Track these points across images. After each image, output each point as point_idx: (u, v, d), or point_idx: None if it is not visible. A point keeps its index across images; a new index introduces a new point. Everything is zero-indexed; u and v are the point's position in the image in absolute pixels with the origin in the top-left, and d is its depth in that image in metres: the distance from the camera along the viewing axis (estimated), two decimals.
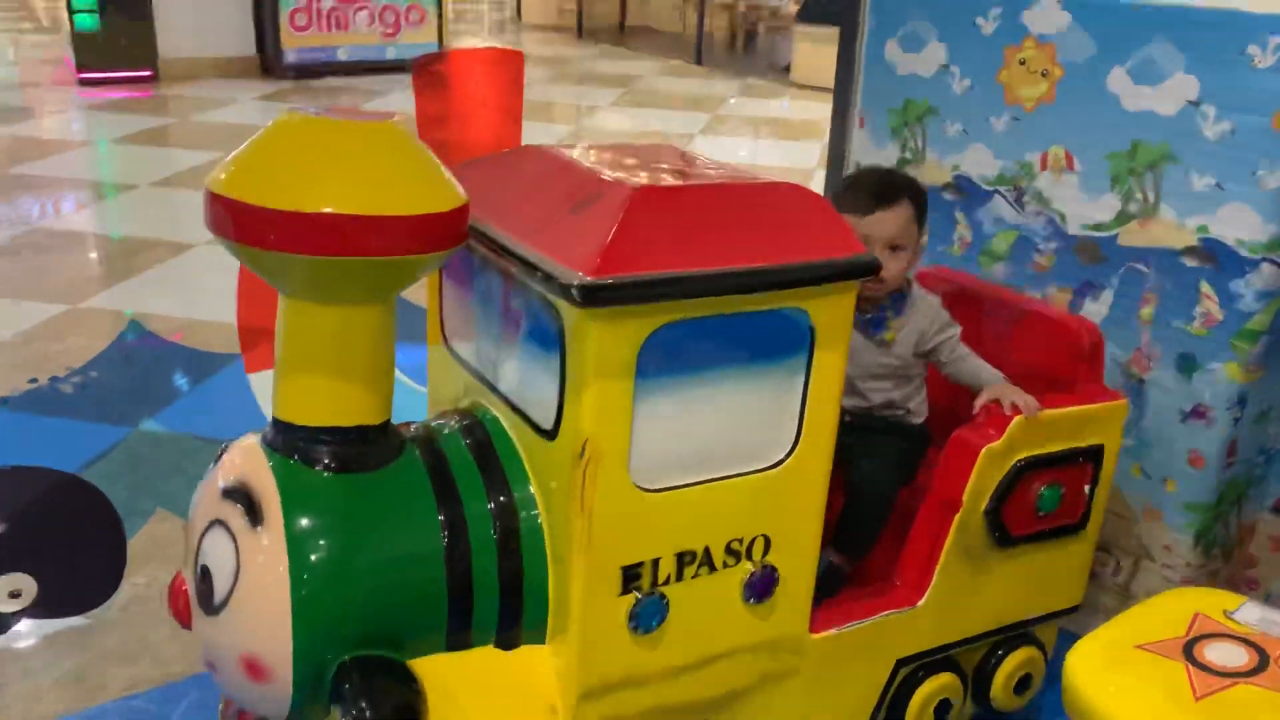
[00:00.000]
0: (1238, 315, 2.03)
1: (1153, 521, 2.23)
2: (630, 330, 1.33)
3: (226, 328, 3.50)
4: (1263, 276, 1.99)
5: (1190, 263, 2.08)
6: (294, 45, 9.23)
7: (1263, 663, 1.36)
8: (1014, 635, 1.98)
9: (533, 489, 1.49)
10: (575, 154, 1.58)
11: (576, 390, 1.35)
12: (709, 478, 1.47)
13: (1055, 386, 1.93)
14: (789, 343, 1.48)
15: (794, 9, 12.35)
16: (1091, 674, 1.42)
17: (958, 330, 1.97)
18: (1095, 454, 1.90)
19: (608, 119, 8.73)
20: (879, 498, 1.90)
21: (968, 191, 2.48)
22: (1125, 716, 1.35)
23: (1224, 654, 1.39)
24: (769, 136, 8.41)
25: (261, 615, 1.37)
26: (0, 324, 3.91)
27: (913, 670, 1.86)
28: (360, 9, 9.46)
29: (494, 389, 1.59)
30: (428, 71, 2.15)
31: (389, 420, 1.47)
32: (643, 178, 1.44)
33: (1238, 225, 2.00)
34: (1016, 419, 1.77)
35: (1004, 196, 2.40)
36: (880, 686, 1.82)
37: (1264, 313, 2.01)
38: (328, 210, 1.22)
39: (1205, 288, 2.06)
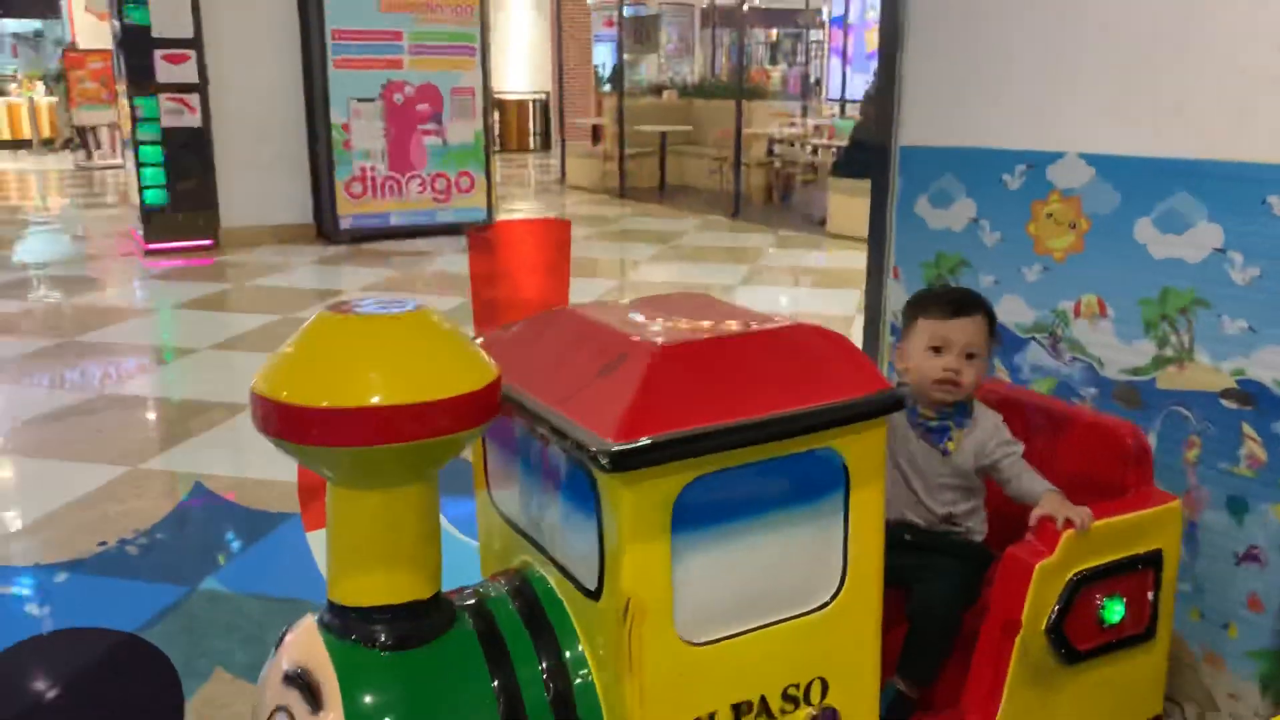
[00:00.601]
0: None
1: (1216, 668, 2.18)
2: (661, 490, 1.36)
3: (280, 485, 3.60)
4: None
5: (1230, 405, 2.10)
6: (349, 212, 9.65)
7: None
8: None
9: (583, 648, 1.50)
10: (602, 314, 1.64)
11: (614, 551, 1.38)
12: (757, 625, 1.48)
13: (1106, 493, 1.92)
14: (824, 483, 1.50)
15: (827, 163, 12.74)
16: None
17: (1020, 448, 1.99)
18: (1154, 559, 1.88)
19: (650, 273, 8.95)
20: (942, 621, 1.89)
21: (1005, 340, 2.53)
22: None
23: None
24: (807, 285, 8.57)
25: None
26: (64, 486, 4.03)
27: None
28: (413, 177, 9.90)
29: (540, 549, 1.62)
30: (481, 239, 2.28)
31: (439, 591, 1.50)
32: (666, 335, 1.49)
33: (1274, 367, 2.02)
34: (1068, 532, 1.77)
35: (1040, 344, 2.45)
36: None
37: None
38: (367, 404, 1.27)
39: (1247, 429, 2.08)
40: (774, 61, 23.83)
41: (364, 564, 1.42)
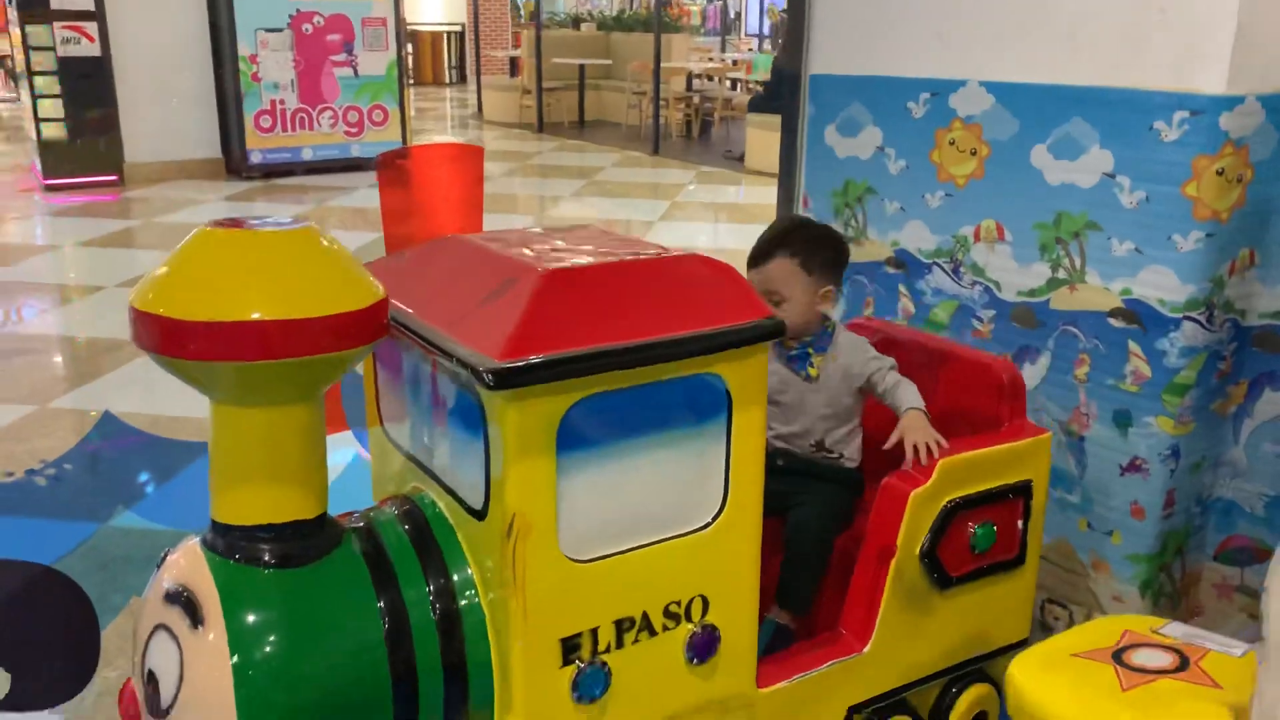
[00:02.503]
0: (1165, 371, 2.14)
1: (1101, 574, 2.32)
2: (546, 409, 1.38)
3: (194, 421, 3.55)
4: (1185, 334, 2.11)
5: (1117, 324, 2.20)
6: (259, 146, 9.40)
7: (1184, 664, 1.49)
8: (965, 674, 2.03)
9: (471, 570, 1.52)
10: (495, 242, 1.64)
11: (500, 469, 1.40)
12: (640, 544, 1.52)
13: (981, 426, 2.01)
14: (707, 407, 1.54)
15: (745, 99, 12.75)
16: (1030, 676, 1.54)
17: (889, 362, 2.06)
18: (1025, 489, 1.97)
19: (570, 209, 8.92)
20: (815, 544, 1.96)
21: (908, 265, 2.61)
22: (1059, 707, 1.47)
23: (1149, 658, 1.52)
24: (726, 220, 8.62)
25: (207, 714, 1.39)
26: None
27: (866, 717, 1.91)
28: (324, 110, 9.67)
29: (429, 473, 1.64)
30: (392, 168, 2.26)
31: (325, 513, 1.51)
32: (554, 260, 1.51)
33: (1158, 287, 2.12)
34: (941, 462, 1.85)
35: (942, 268, 2.53)
36: None
37: (1189, 368, 2.13)
38: (249, 318, 1.27)
39: (1133, 346, 2.18)
40: None
41: (247, 483, 1.42)
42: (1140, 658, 1.51)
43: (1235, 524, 2.33)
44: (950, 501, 1.87)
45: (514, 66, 16.85)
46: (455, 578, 1.52)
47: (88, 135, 8.73)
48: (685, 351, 1.47)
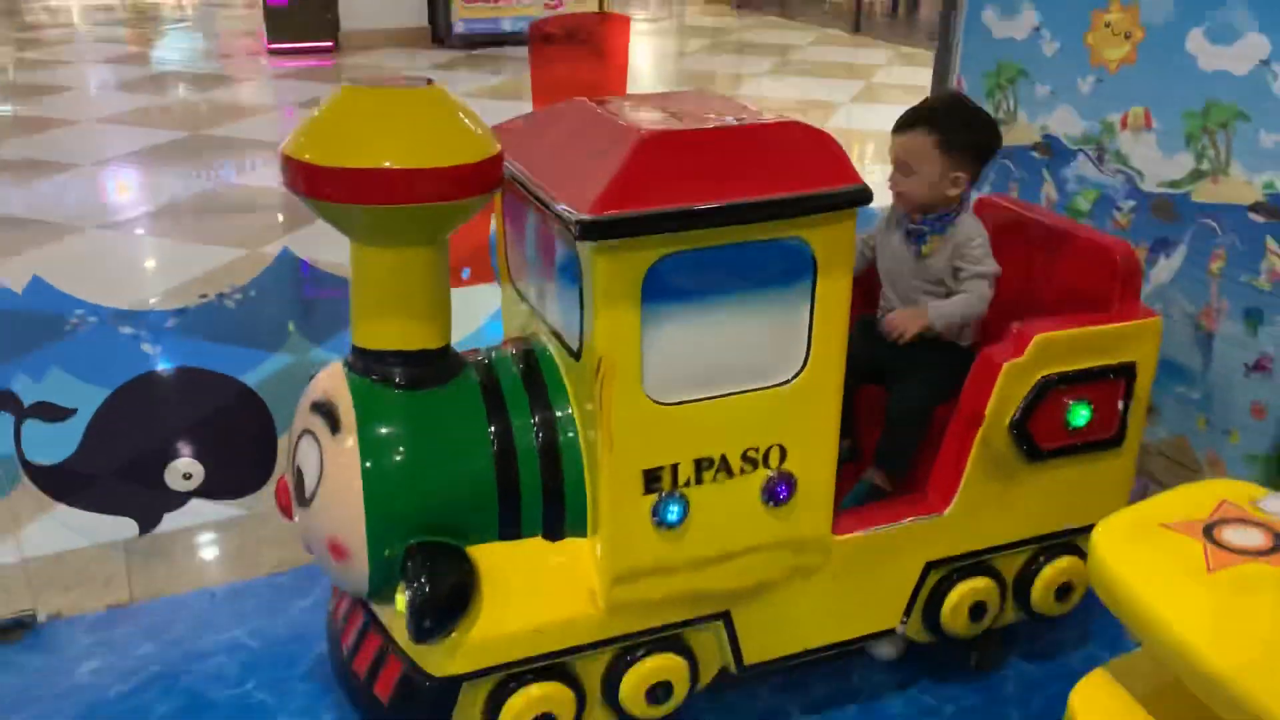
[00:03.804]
0: None
1: (1217, 472, 2.30)
2: (633, 261, 1.51)
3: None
4: None
5: (1258, 218, 2.14)
6: (463, 16, 9.71)
7: (1277, 545, 1.40)
8: (1054, 545, 2.07)
9: (571, 407, 1.70)
10: (611, 106, 1.75)
11: (591, 315, 1.54)
12: (722, 393, 1.64)
13: (1094, 306, 2.00)
14: (793, 270, 1.62)
15: None
16: (1113, 545, 1.48)
17: (985, 269, 2.04)
18: (1128, 370, 1.96)
19: (763, 87, 8.84)
20: (912, 415, 2.04)
21: (1055, 150, 2.57)
22: (1141, 584, 1.41)
23: (1242, 536, 1.43)
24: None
25: (341, 506, 1.63)
26: (190, 263, 4.44)
27: (945, 574, 2.00)
28: None
29: (542, 318, 1.82)
30: (543, 37, 2.41)
31: (448, 345, 1.71)
32: (655, 124, 1.60)
33: None
34: (1037, 337, 1.87)
35: (1088, 155, 2.49)
36: (910, 587, 1.97)
37: None
38: (378, 165, 1.45)
39: (1271, 243, 2.12)
40: None
41: (381, 313, 1.63)
42: (1232, 535, 1.43)
43: None
44: (1045, 376, 1.89)
45: None
46: (558, 413, 1.70)
47: (308, 3, 9.23)
48: (769, 214, 1.55)
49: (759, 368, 1.67)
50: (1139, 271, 2.02)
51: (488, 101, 7.80)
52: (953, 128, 2.04)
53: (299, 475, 1.70)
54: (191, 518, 2.56)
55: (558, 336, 1.74)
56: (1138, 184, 2.38)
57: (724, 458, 1.69)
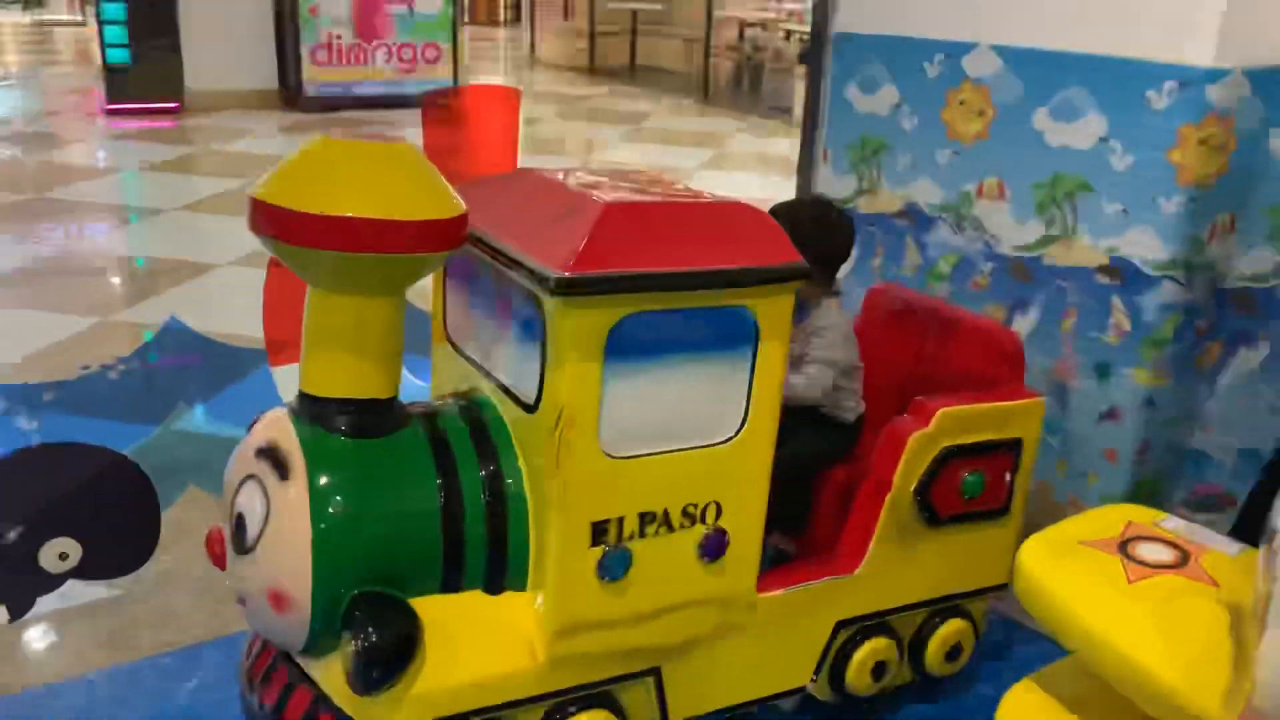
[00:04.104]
0: (1144, 326, 2.30)
1: (1098, 509, 2.48)
2: (599, 318, 1.59)
3: (246, 338, 3.80)
4: (1164, 292, 2.26)
5: (1103, 280, 2.35)
6: (315, 79, 9.62)
7: (1184, 559, 1.58)
8: (946, 607, 2.22)
9: (518, 461, 1.74)
10: (562, 176, 1.86)
11: (554, 368, 1.61)
12: (668, 449, 1.72)
13: (983, 386, 2.18)
14: (737, 336, 1.74)
15: (796, 51, 12.72)
16: (1040, 562, 1.63)
17: (828, 356, 2.14)
18: (1015, 445, 2.14)
19: (618, 153, 9.05)
20: (796, 475, 2.12)
21: (916, 218, 2.76)
22: (1069, 595, 1.56)
23: (1152, 552, 1.60)
24: (771, 173, 8.71)
25: (287, 554, 1.62)
26: (36, 335, 4.23)
27: (852, 633, 2.10)
28: (379, 46, 9.85)
29: (488, 374, 1.85)
30: (435, 107, 2.45)
31: (396, 396, 1.73)
32: (615, 195, 1.71)
33: (1142, 246, 2.27)
34: (940, 410, 2.03)
35: (947, 222, 2.68)
36: (821, 644, 2.07)
37: (1166, 324, 2.28)
38: (350, 214, 1.48)
39: (1116, 302, 2.34)
40: None
41: (334, 360, 1.64)
42: (1144, 551, 1.60)
43: (1206, 474, 2.49)
44: (946, 448, 2.05)
45: (567, 9, 16.87)
46: (505, 465, 1.73)
47: (150, 62, 8.98)
48: (721, 282, 1.67)
49: (702, 426, 1.75)
50: (1022, 355, 2.20)
51: None
52: (804, 229, 2.10)
53: (239, 522, 1.67)
54: (62, 600, 2.43)
55: (506, 391, 1.78)
56: (995, 248, 2.58)
57: (666, 512, 1.75)
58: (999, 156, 2.53)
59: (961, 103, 2.59)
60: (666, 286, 1.63)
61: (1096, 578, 1.56)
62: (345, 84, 9.78)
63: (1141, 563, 1.57)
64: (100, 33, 8.86)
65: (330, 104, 9.71)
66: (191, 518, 2.89)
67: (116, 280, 5.18)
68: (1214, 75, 2.12)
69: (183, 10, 9.04)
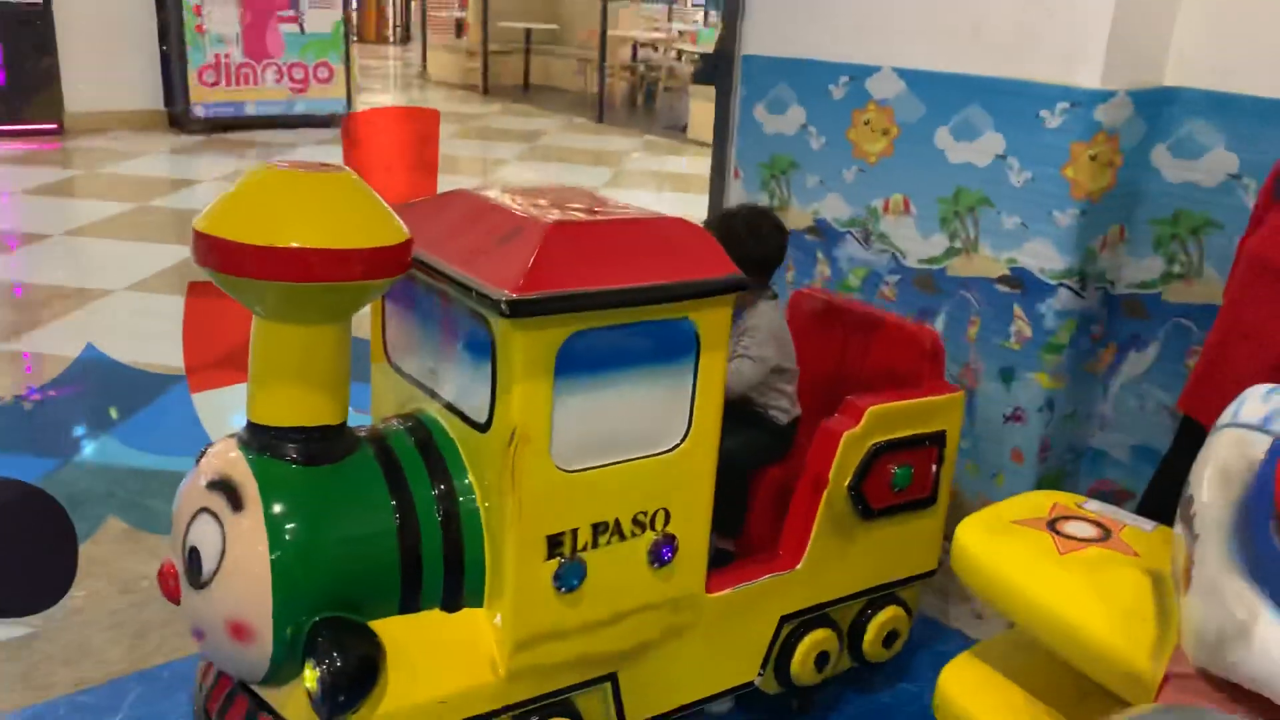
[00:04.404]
0: (1043, 332, 2.43)
1: (1026, 494, 2.59)
2: (548, 337, 1.63)
3: (151, 366, 3.71)
4: (1060, 299, 2.40)
5: (1004, 289, 2.48)
6: (202, 99, 9.39)
7: (1107, 535, 1.74)
8: (881, 596, 2.31)
9: (469, 478, 1.76)
10: (498, 196, 1.89)
11: (505, 388, 1.64)
12: (618, 460, 1.77)
13: (905, 383, 2.29)
14: (680, 347, 1.80)
15: (689, 70, 12.94)
16: (976, 538, 1.78)
17: (754, 354, 2.23)
18: (939, 438, 2.25)
19: (515, 172, 9.06)
20: (732, 475, 2.18)
21: (825, 233, 2.87)
22: (1008, 568, 1.70)
23: (1078, 528, 1.75)
24: (668, 189, 8.84)
25: (245, 584, 1.61)
26: None
27: (795, 626, 2.17)
28: (269, 65, 9.67)
29: (434, 394, 1.86)
30: (353, 128, 2.45)
31: (345, 421, 1.73)
32: (557, 214, 1.75)
33: (1040, 257, 2.41)
34: (870, 408, 2.11)
35: (855, 237, 2.79)
36: (768, 640, 2.14)
37: (1063, 329, 2.42)
38: (296, 245, 1.48)
39: (1017, 310, 2.46)
40: None
41: (282, 389, 1.64)
42: (1071, 528, 1.75)
43: (1103, 470, 2.64)
44: (876, 444, 2.14)
45: (459, 28, 16.82)
46: (456, 484, 1.75)
47: (27, 83, 8.64)
48: (664, 296, 1.72)
49: (649, 436, 1.80)
50: (943, 352, 2.31)
51: (230, 186, 7.59)
52: (729, 242, 2.22)
53: (194, 556, 1.65)
54: None
55: (455, 410, 1.79)
56: (901, 261, 2.69)
57: (617, 522, 1.79)
58: (903, 174, 2.64)
59: (866, 123, 2.71)
60: (612, 303, 1.68)
61: (1031, 551, 1.71)
62: (235, 104, 9.57)
63: (1069, 537, 1.73)
64: None
65: (219, 124, 9.49)
66: (102, 550, 2.82)
67: (5, 306, 4.98)
68: (1101, 96, 2.27)
69: (60, 30, 8.73)
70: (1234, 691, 1.13)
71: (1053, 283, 2.39)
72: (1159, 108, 2.37)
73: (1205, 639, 1.14)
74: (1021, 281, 2.45)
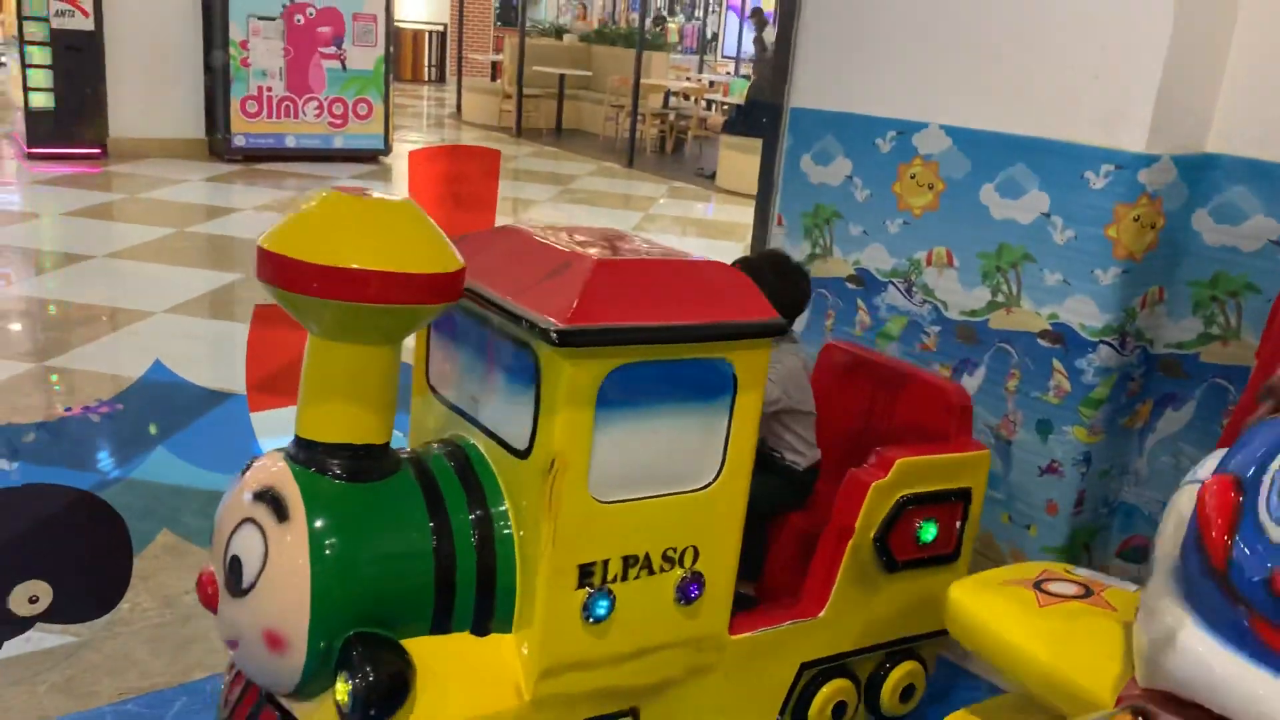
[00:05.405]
0: (1082, 387, 2.48)
1: (1019, 563, 2.64)
2: (593, 368, 1.68)
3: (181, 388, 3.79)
4: (1101, 355, 2.45)
5: (1045, 344, 2.53)
6: (243, 130, 9.58)
7: (1089, 593, 1.82)
8: (900, 650, 2.34)
9: (505, 505, 1.80)
10: (548, 233, 1.96)
11: (548, 415, 1.69)
12: (652, 494, 1.81)
13: (932, 439, 2.33)
14: (717, 386, 1.85)
15: (719, 120, 13.12)
16: (967, 593, 1.88)
17: (778, 400, 2.30)
18: (965, 495, 2.29)
19: (545, 214, 9.19)
20: (753, 520, 2.21)
21: (867, 282, 2.93)
22: (990, 617, 1.81)
23: (1062, 587, 1.84)
24: (694, 235, 8.94)
25: (284, 595, 1.65)
26: None
27: (815, 674, 2.20)
28: (310, 100, 9.87)
29: (474, 422, 1.92)
30: (418, 164, 2.53)
31: (389, 442, 1.78)
32: (603, 252, 1.82)
33: (1081, 313, 2.46)
34: (899, 460, 2.16)
35: (897, 287, 2.85)
36: (787, 685, 2.16)
37: (1103, 385, 2.47)
38: (356, 266, 1.54)
39: (1057, 364, 2.51)
40: (672, 13, 24.02)
41: (332, 406, 1.69)
42: (1055, 587, 1.84)
43: (1135, 525, 2.67)
44: (903, 496, 2.18)
45: (495, 70, 17.11)
46: (493, 509, 1.80)
47: (74, 107, 8.86)
48: (705, 336, 1.78)
49: (683, 473, 1.85)
50: (971, 410, 2.35)
51: (267, 216, 7.75)
52: (761, 280, 2.31)
53: (235, 565, 1.70)
54: (13, 647, 2.39)
55: (494, 437, 1.84)
56: (943, 312, 2.75)
57: (648, 556, 1.83)
58: (947, 228, 2.71)
59: (912, 177, 2.78)
60: (655, 339, 1.73)
61: (1012, 604, 1.83)
62: (277, 135, 9.76)
63: (1051, 594, 1.83)
64: (23, 76, 8.71)
65: (258, 155, 9.68)
66: (145, 564, 2.87)
67: (46, 326, 5.08)
68: (1146, 160, 2.33)
69: (109, 56, 8.96)
70: (1177, 708, 1.21)
71: (1093, 339, 2.44)
72: (1201, 173, 2.44)
73: (1144, 653, 1.24)
74: (1062, 337, 2.50)
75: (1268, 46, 2.36)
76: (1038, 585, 1.84)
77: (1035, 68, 2.50)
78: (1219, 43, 2.39)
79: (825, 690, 2.22)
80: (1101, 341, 2.44)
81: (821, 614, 2.16)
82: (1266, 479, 1.08)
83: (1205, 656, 1.09)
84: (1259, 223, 2.39)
